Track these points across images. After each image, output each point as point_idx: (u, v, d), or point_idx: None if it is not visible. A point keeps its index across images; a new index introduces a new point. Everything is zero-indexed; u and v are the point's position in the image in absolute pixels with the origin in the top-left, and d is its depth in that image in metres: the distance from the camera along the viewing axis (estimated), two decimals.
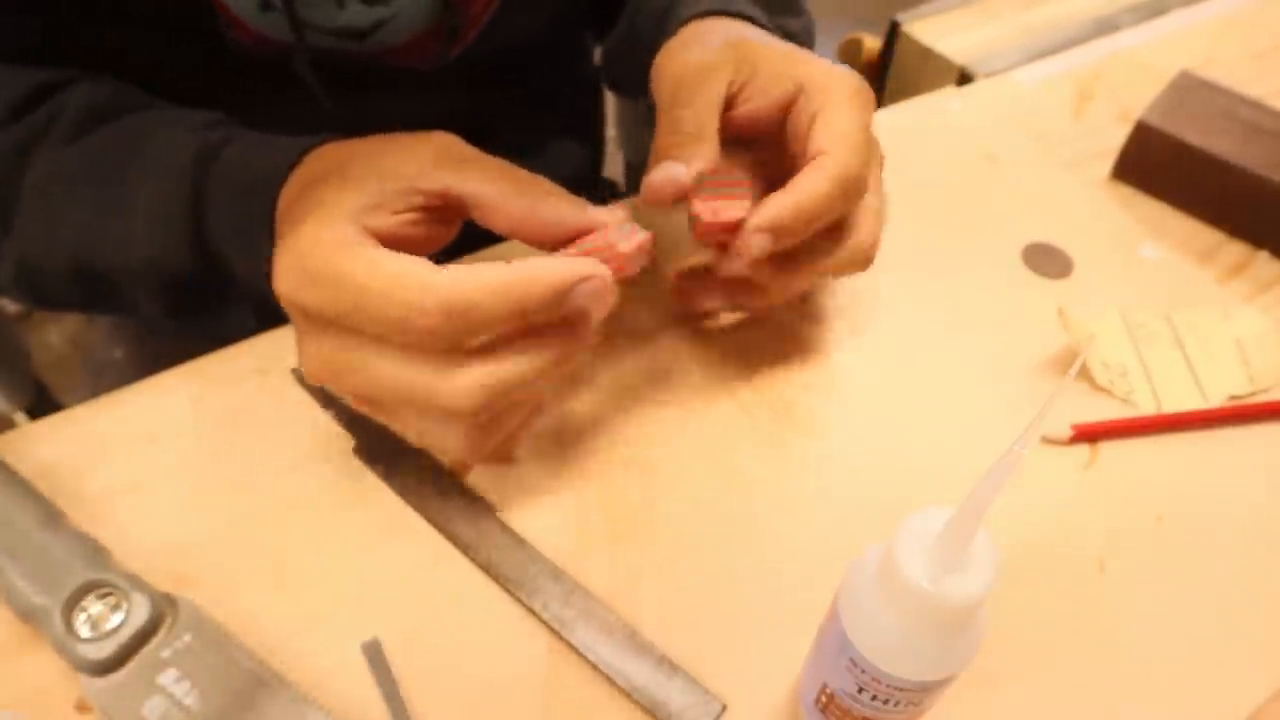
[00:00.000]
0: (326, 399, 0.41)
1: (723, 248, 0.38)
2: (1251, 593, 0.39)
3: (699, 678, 0.34)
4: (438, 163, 0.33)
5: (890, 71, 0.76)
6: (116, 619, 0.32)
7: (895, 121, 0.59)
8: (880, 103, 0.79)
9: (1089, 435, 0.43)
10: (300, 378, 0.42)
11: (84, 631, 0.31)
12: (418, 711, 0.33)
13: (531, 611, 0.36)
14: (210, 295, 0.41)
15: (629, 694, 0.34)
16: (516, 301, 0.30)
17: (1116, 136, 0.57)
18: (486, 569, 0.37)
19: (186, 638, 0.32)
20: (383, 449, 0.40)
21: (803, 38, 0.53)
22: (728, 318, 0.46)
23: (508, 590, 0.36)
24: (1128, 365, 0.40)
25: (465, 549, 0.37)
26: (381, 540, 0.38)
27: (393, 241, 0.32)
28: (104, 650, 0.31)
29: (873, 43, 1.25)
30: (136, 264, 0.39)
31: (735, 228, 0.36)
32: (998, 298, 0.49)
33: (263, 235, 0.35)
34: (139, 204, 0.38)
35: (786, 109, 0.39)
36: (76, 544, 0.34)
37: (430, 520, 0.38)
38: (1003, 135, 0.58)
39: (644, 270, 0.35)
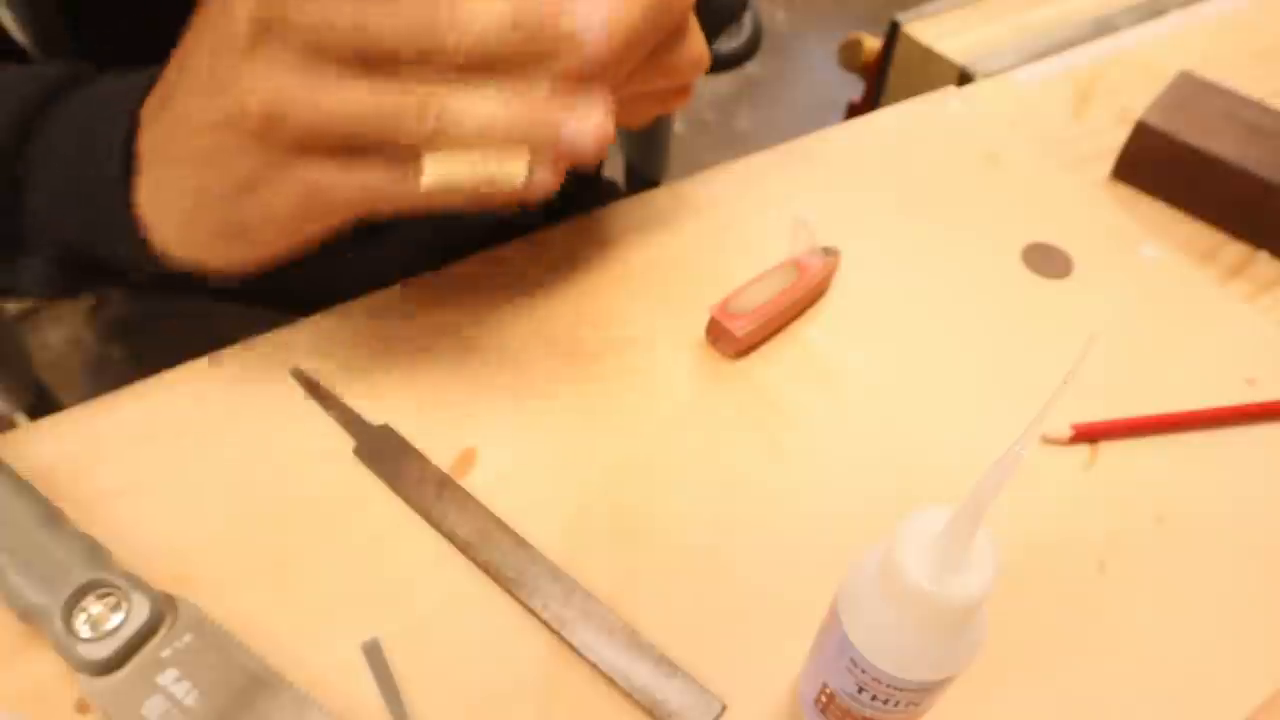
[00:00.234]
0: (327, 399, 0.41)
1: None
2: (1251, 593, 0.39)
3: (699, 678, 0.34)
4: None
5: (890, 71, 0.77)
6: (116, 619, 0.32)
7: (895, 121, 0.59)
8: (880, 103, 0.79)
9: (1089, 435, 0.43)
10: (300, 377, 0.42)
11: (84, 631, 0.31)
12: (418, 711, 0.33)
13: (531, 611, 0.36)
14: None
15: (629, 694, 0.34)
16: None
17: (1116, 136, 0.57)
18: (486, 569, 0.37)
19: (187, 637, 0.32)
20: (383, 449, 0.40)
21: None
22: None
23: (508, 590, 0.36)
24: None
25: (465, 549, 0.37)
26: (381, 540, 0.38)
27: None
28: (104, 650, 0.31)
29: (873, 43, 1.25)
30: None
31: None
32: (997, 298, 0.49)
33: (115, 131, 0.32)
34: None
35: None
36: (76, 544, 0.34)
37: (430, 520, 0.38)
38: (1003, 135, 0.58)
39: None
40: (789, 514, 0.40)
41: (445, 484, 0.39)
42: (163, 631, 0.32)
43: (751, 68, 1.81)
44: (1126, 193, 0.56)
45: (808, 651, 0.33)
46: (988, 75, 0.65)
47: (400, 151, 0.29)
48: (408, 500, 0.39)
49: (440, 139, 0.29)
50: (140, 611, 0.32)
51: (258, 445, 0.40)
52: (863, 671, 0.28)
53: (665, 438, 0.42)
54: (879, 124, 0.58)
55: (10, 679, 0.33)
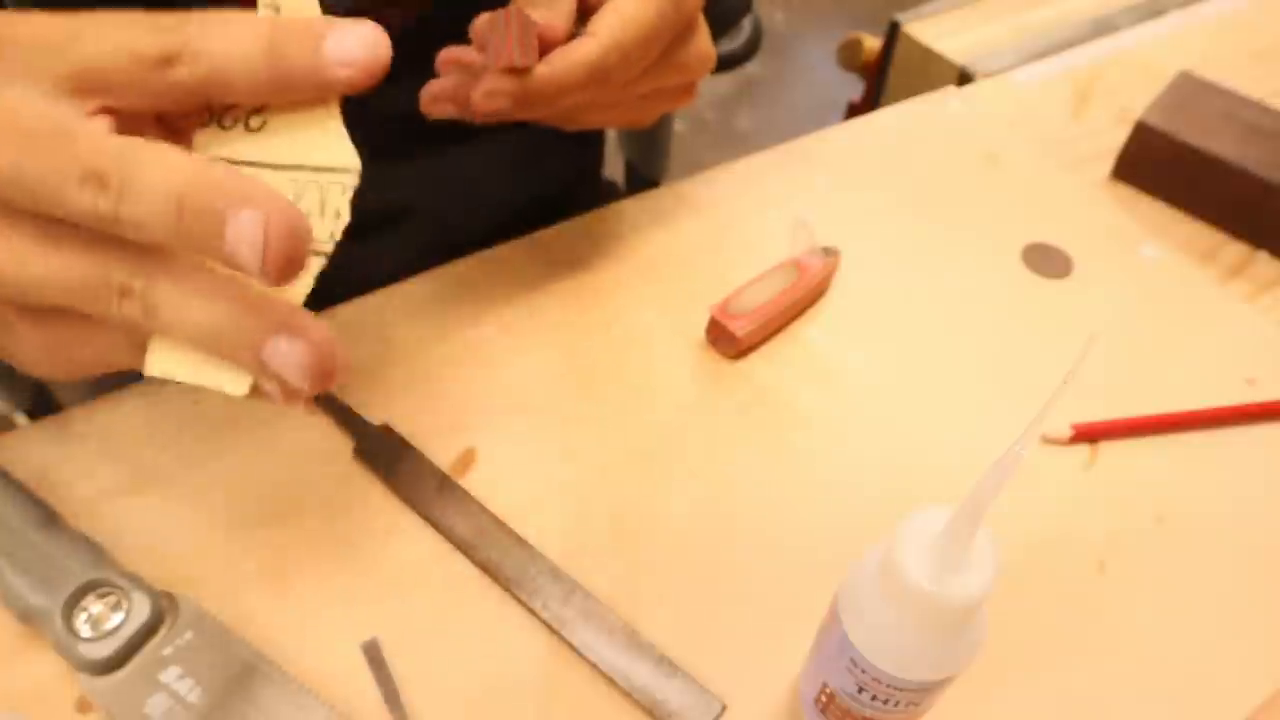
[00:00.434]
0: (326, 399, 0.41)
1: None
2: (1251, 593, 0.39)
3: (699, 678, 0.34)
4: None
5: (890, 71, 0.77)
6: (117, 618, 0.32)
7: (895, 121, 0.59)
8: (880, 103, 0.79)
9: (1089, 435, 0.43)
10: None
11: (85, 631, 0.32)
12: (417, 711, 0.33)
13: (531, 611, 0.36)
14: None
15: (629, 694, 0.34)
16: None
17: (1116, 136, 0.57)
18: (486, 569, 0.37)
19: (188, 635, 0.32)
20: (383, 449, 0.40)
21: None
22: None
23: (508, 590, 0.36)
24: None
25: (465, 549, 0.37)
26: (381, 540, 0.38)
27: None
28: (105, 649, 0.31)
29: (873, 43, 1.25)
30: None
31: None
32: (997, 298, 0.49)
33: None
34: None
35: None
36: (76, 544, 0.34)
37: (430, 520, 0.38)
38: (1003, 135, 0.58)
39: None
40: (789, 514, 0.40)
41: (445, 484, 0.39)
42: (164, 629, 0.32)
43: (751, 68, 1.81)
44: (1126, 193, 0.56)
45: (808, 651, 0.33)
46: (988, 75, 0.65)
47: (130, 327, 0.26)
48: (407, 500, 0.39)
49: (156, 328, 0.26)
50: (141, 610, 0.32)
51: (257, 445, 0.40)
52: (863, 671, 0.28)
53: (665, 438, 0.42)
54: (879, 124, 0.58)
55: (10, 679, 0.33)
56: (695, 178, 0.53)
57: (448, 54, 0.36)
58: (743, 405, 0.43)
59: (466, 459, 0.40)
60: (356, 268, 0.50)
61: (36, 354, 0.28)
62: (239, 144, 0.27)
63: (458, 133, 0.57)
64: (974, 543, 0.26)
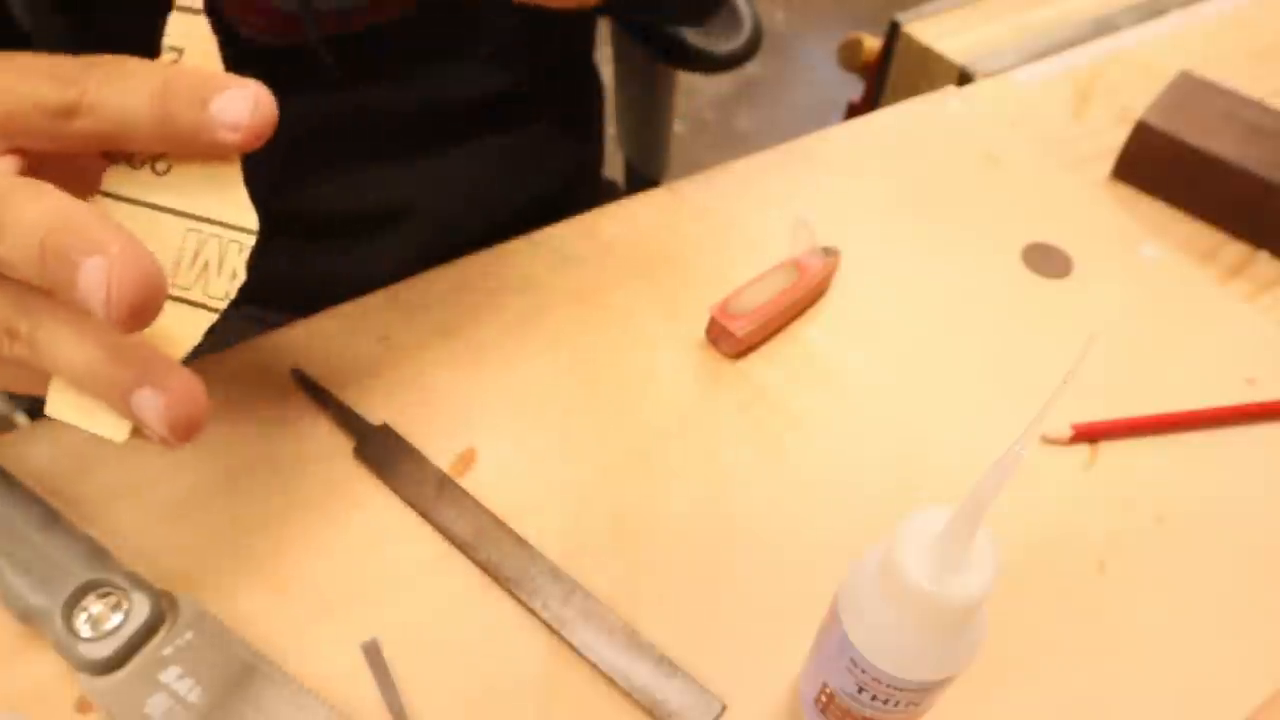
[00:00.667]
0: (326, 399, 0.41)
1: None
2: (1251, 593, 0.39)
3: (699, 678, 0.34)
4: None
5: (890, 71, 0.76)
6: (117, 618, 0.32)
7: (895, 121, 0.59)
8: (880, 103, 0.79)
9: (1089, 435, 0.43)
10: (300, 378, 0.42)
11: (85, 631, 0.32)
12: (417, 711, 0.33)
13: (531, 611, 0.36)
14: None
15: (629, 694, 0.34)
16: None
17: (1116, 136, 0.57)
18: (486, 569, 0.37)
19: (188, 635, 0.32)
20: (382, 449, 0.40)
21: None
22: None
23: (508, 590, 0.36)
24: None
25: (465, 549, 0.37)
26: (381, 540, 0.38)
27: None
28: (105, 649, 0.31)
29: (873, 43, 1.25)
30: None
31: None
32: (997, 298, 0.49)
33: None
34: None
35: None
36: (75, 544, 0.34)
37: (430, 520, 0.38)
38: (1003, 135, 0.58)
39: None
40: (789, 514, 0.40)
41: (445, 484, 0.39)
42: (164, 629, 0.32)
43: (751, 68, 1.80)
44: (1126, 193, 0.56)
45: (808, 651, 0.33)
46: (988, 75, 0.65)
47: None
48: (407, 500, 0.39)
49: (44, 368, 0.26)
50: (141, 610, 0.32)
51: (257, 445, 0.40)
52: (863, 671, 0.28)
53: (665, 438, 0.42)
54: (879, 124, 0.58)
55: (10, 679, 0.33)
56: (695, 178, 0.53)
57: None
58: (743, 405, 0.43)
59: (466, 459, 0.40)
60: (356, 268, 0.50)
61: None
62: (145, 186, 0.28)
63: (458, 133, 0.57)
64: (974, 543, 0.26)
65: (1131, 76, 0.64)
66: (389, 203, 0.54)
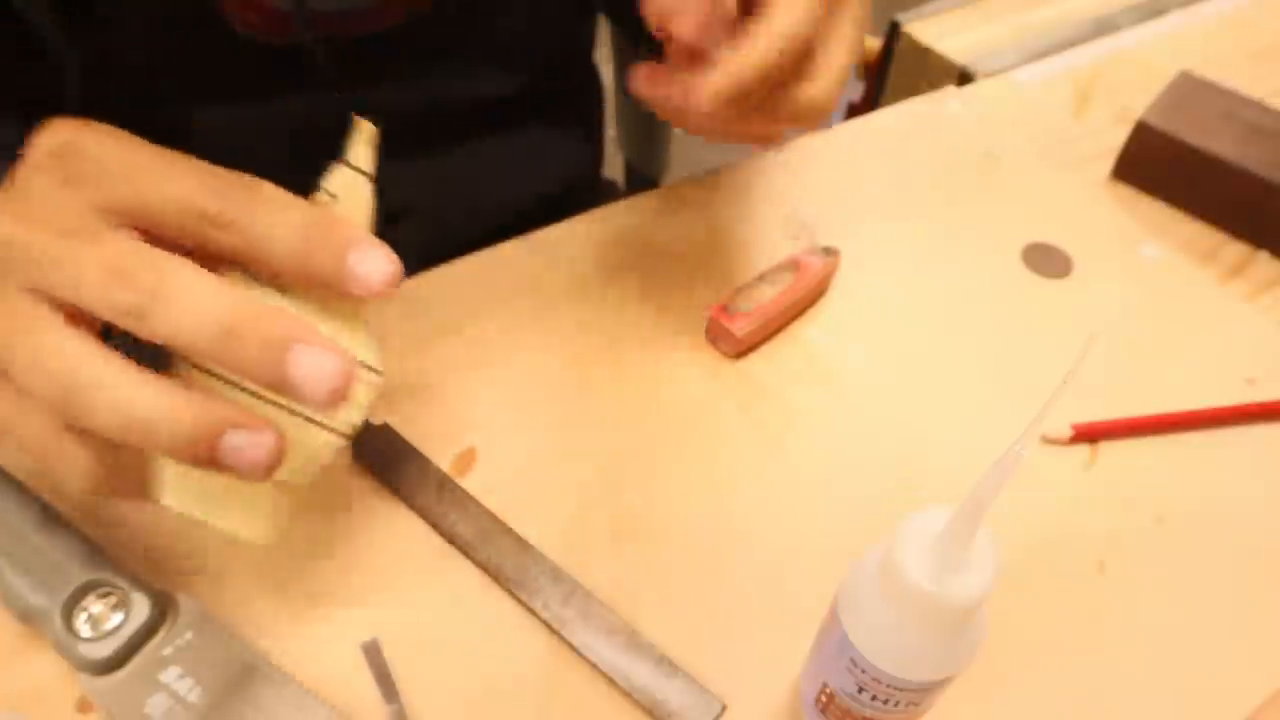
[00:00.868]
0: None
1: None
2: (1251, 593, 0.39)
3: (699, 678, 0.34)
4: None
5: (890, 71, 0.76)
6: (117, 618, 0.32)
7: (895, 121, 0.59)
8: (880, 103, 0.79)
9: (1089, 435, 0.43)
10: None
11: (85, 631, 0.32)
12: (417, 711, 0.33)
13: (531, 611, 0.36)
14: None
15: (629, 694, 0.34)
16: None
17: (1116, 136, 0.57)
18: (486, 569, 0.37)
19: (188, 634, 0.32)
20: (383, 449, 0.40)
21: None
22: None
23: (508, 590, 0.36)
24: None
25: (465, 549, 0.37)
26: (381, 540, 0.38)
27: None
28: (105, 649, 0.31)
29: (873, 43, 1.25)
30: None
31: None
32: (997, 298, 0.49)
33: None
34: None
35: None
36: (75, 544, 0.34)
37: (430, 520, 0.38)
38: (1003, 135, 0.58)
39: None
40: (789, 514, 0.40)
41: (445, 484, 0.39)
42: (164, 629, 0.32)
43: None
44: (1126, 193, 0.56)
45: (808, 651, 0.33)
46: (988, 75, 0.65)
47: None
48: (408, 500, 0.39)
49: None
50: (141, 610, 0.32)
51: None
52: (863, 671, 0.28)
53: (665, 438, 0.42)
54: (879, 124, 0.58)
55: (10, 679, 0.33)
56: (695, 178, 0.53)
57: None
58: (743, 405, 0.43)
59: (466, 459, 0.40)
60: None
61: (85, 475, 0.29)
62: (268, 296, 0.29)
63: (458, 133, 0.57)
64: (974, 543, 0.26)
65: (1131, 76, 0.64)
66: (389, 203, 0.54)
